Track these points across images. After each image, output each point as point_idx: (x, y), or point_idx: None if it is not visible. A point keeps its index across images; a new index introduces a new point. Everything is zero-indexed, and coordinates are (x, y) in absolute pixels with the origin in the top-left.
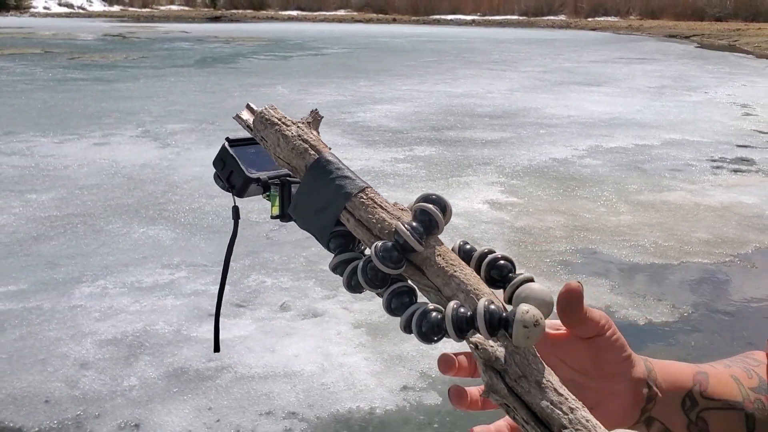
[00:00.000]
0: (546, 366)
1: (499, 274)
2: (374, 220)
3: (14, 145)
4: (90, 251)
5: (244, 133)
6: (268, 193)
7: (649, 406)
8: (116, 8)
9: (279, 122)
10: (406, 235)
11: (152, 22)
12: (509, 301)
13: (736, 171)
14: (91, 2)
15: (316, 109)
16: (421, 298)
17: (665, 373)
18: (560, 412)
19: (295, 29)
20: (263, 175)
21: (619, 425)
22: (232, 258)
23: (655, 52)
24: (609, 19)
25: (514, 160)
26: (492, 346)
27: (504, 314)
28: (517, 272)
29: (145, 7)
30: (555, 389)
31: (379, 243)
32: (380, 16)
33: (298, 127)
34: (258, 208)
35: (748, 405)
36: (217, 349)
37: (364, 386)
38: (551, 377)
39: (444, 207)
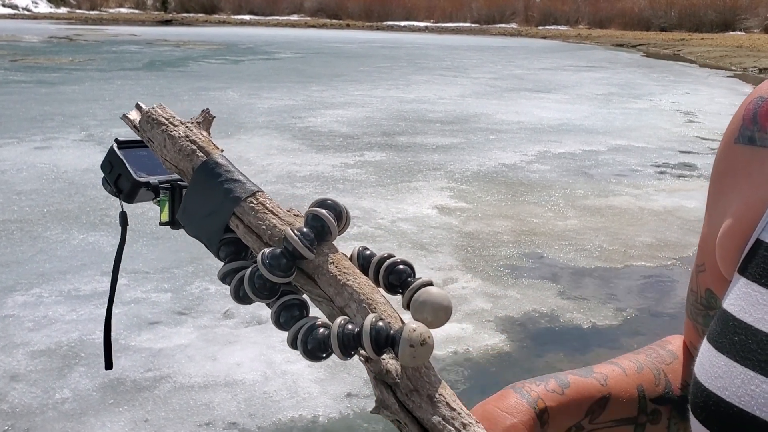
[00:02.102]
0: (440, 379)
1: (397, 279)
2: (264, 226)
3: None
4: (26, 258)
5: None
6: (158, 198)
7: None
8: (63, 10)
9: (166, 122)
10: (295, 242)
11: (101, 24)
12: (407, 306)
13: (679, 176)
14: (36, 3)
15: (207, 109)
16: (314, 310)
17: (561, 405)
18: (452, 429)
19: (248, 33)
20: (153, 179)
21: None
22: (174, 266)
23: (603, 61)
24: (559, 28)
25: (463, 166)
26: (383, 359)
27: (391, 332)
28: (416, 277)
29: (93, 9)
30: (447, 404)
31: (267, 250)
32: (334, 21)
33: (187, 127)
34: None
35: (642, 419)
36: (109, 366)
37: (307, 394)
38: (444, 390)
39: (339, 213)
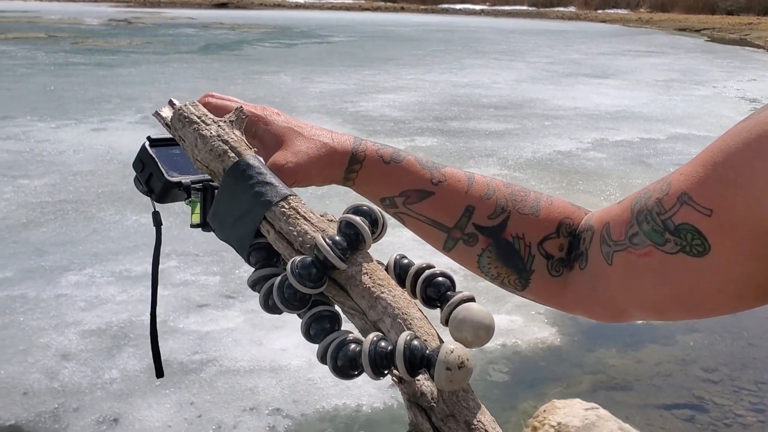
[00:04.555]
0: (480, 404)
1: (436, 292)
2: (295, 233)
3: (9, 130)
4: (80, 239)
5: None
6: (189, 199)
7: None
8: None
9: (198, 120)
10: (326, 250)
11: (158, 7)
12: (445, 323)
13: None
14: None
15: (241, 107)
16: (347, 323)
17: (380, 168)
18: None
19: (302, 17)
20: (185, 179)
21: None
22: (223, 249)
23: (665, 46)
24: (619, 11)
25: (517, 152)
26: (418, 380)
27: (427, 352)
28: (456, 290)
29: None
30: (486, 431)
31: (297, 258)
32: (388, 4)
33: (219, 126)
34: None
35: (456, 234)
36: (160, 374)
37: (351, 383)
38: (483, 417)
39: (375, 220)
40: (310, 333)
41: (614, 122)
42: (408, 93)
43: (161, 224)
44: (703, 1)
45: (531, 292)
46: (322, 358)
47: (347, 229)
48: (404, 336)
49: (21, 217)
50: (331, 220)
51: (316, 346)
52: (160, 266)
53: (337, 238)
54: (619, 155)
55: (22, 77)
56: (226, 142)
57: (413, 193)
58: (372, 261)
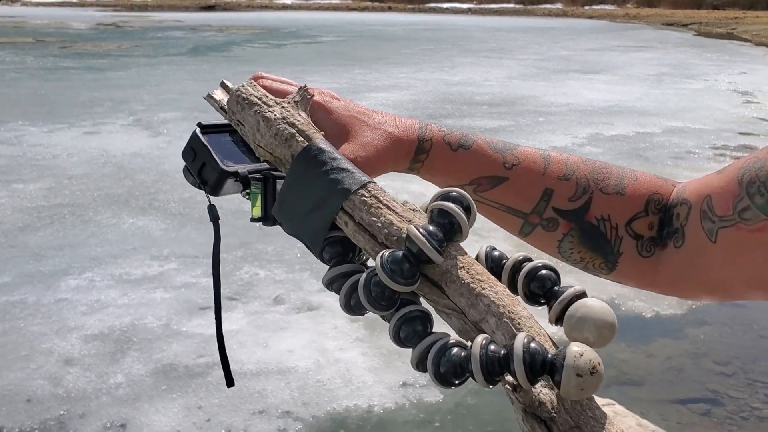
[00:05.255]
0: (605, 412)
1: (540, 287)
2: (379, 224)
3: (2, 135)
4: (78, 242)
5: (220, 117)
6: (247, 191)
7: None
8: None
9: (259, 102)
10: (422, 243)
11: (146, 11)
12: (556, 321)
13: (739, 158)
14: None
15: (305, 86)
16: (438, 324)
17: (448, 156)
18: None
19: (290, 18)
20: (242, 168)
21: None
22: (223, 251)
23: (653, 40)
24: (606, 7)
25: None
26: (535, 388)
27: (549, 356)
28: (562, 285)
29: None
30: None
31: (387, 252)
32: (375, 4)
33: (283, 108)
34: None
35: (534, 219)
36: (230, 383)
37: (361, 383)
38: (612, 428)
39: (468, 206)
40: (400, 336)
41: (608, 117)
42: (401, 91)
43: (218, 219)
44: None
45: (619, 275)
46: (418, 365)
47: (440, 218)
48: (521, 338)
49: (17, 222)
50: (414, 209)
51: (332, 332)
52: (160, 268)
53: (432, 228)
54: (615, 149)
55: (11, 82)
56: (292, 125)
57: (485, 180)
58: (466, 254)
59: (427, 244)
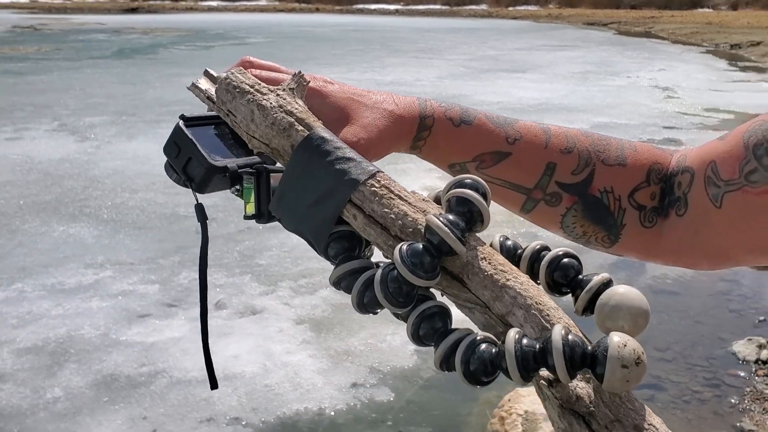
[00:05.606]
0: (643, 404)
1: (563, 276)
2: (392, 215)
3: None
4: (5, 252)
5: (202, 109)
6: (237, 187)
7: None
8: None
9: (252, 90)
10: (445, 233)
11: (65, 13)
12: (583, 312)
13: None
14: None
15: (300, 71)
16: (458, 319)
17: (450, 132)
18: None
19: (216, 19)
20: (231, 162)
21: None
22: (160, 256)
23: (576, 39)
24: (529, 8)
25: None
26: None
27: (589, 348)
28: (585, 273)
29: None
30: None
31: (405, 245)
32: (303, 5)
33: (278, 95)
34: (186, 201)
35: (537, 194)
36: (214, 385)
37: (311, 385)
38: (653, 419)
39: (485, 193)
40: (420, 334)
41: (538, 114)
42: None
43: (207, 219)
44: None
45: (621, 247)
46: (442, 364)
47: (459, 206)
48: (559, 330)
49: None
50: (424, 199)
51: (277, 336)
52: (95, 276)
53: (452, 217)
54: None
55: None
56: (290, 113)
57: (488, 156)
58: (485, 244)
59: (451, 234)
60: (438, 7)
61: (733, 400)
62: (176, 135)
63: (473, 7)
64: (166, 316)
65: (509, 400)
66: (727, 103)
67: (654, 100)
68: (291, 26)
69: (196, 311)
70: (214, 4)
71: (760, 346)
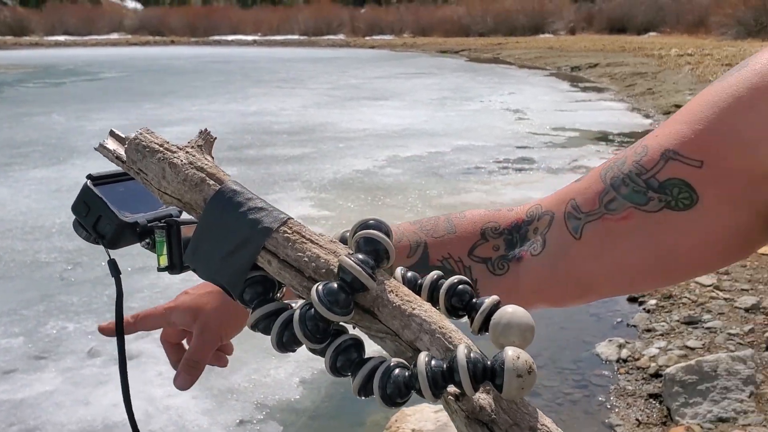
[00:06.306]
0: (535, 408)
1: (459, 301)
2: (306, 258)
3: None
4: None
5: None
6: (148, 240)
7: None
8: None
9: (162, 148)
10: (358, 272)
11: None
12: (479, 331)
13: (520, 170)
14: None
15: (207, 129)
16: (371, 350)
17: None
18: None
19: (65, 54)
20: (141, 217)
21: None
22: (22, 307)
23: (431, 67)
24: (385, 37)
25: (319, 174)
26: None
27: (488, 362)
28: (477, 297)
29: None
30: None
31: (320, 285)
32: (157, 38)
33: (187, 152)
34: (48, 246)
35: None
36: None
37: (196, 427)
38: (544, 419)
39: (387, 232)
40: (337, 366)
41: (402, 140)
42: (195, 124)
43: (120, 273)
44: (458, 25)
45: None
46: (360, 391)
47: (367, 246)
48: (462, 349)
49: None
50: (333, 241)
51: (157, 380)
52: None
53: (361, 256)
54: (413, 169)
55: None
56: (201, 168)
57: None
58: (390, 277)
59: (362, 272)
60: (296, 37)
61: (600, 398)
62: (85, 194)
63: (331, 36)
64: (34, 369)
65: (396, 420)
66: (572, 122)
67: (506, 122)
68: (146, 59)
69: (68, 361)
70: (61, 39)
71: (620, 346)
